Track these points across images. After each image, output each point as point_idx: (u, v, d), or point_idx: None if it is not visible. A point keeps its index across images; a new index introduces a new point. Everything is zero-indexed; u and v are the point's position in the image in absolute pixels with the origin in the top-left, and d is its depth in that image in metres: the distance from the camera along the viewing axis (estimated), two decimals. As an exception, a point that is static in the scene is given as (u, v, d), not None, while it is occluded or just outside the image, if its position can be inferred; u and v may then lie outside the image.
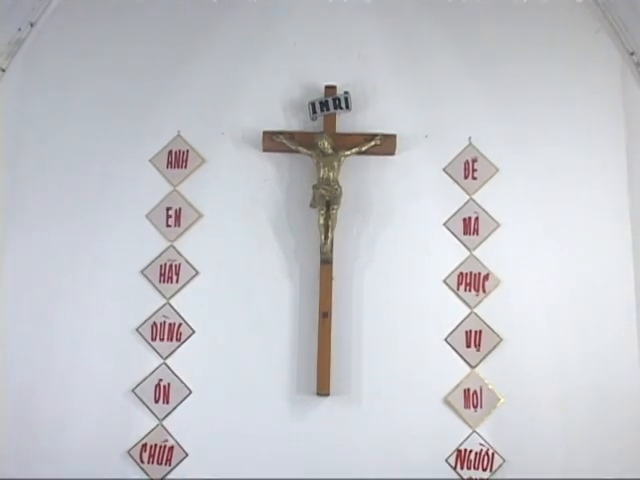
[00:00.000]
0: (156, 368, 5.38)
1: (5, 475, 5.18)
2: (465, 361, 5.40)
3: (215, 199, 5.64)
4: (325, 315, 5.35)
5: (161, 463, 5.25)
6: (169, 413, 5.33)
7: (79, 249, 5.50)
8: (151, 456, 5.26)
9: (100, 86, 5.73)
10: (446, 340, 5.44)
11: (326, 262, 5.43)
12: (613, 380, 5.31)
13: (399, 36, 5.88)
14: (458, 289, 5.51)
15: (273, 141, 5.62)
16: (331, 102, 5.69)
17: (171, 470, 5.24)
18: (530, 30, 5.82)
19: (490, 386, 5.35)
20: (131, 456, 5.25)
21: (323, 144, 5.51)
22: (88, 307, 5.43)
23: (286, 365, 5.37)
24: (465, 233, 5.59)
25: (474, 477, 5.23)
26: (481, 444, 5.28)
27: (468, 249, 5.57)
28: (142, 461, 5.24)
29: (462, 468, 5.25)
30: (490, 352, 5.40)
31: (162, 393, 5.34)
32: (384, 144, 5.61)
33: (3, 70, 4.75)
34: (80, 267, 5.48)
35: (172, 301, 5.49)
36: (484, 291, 5.49)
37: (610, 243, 5.53)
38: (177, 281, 5.51)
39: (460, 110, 5.76)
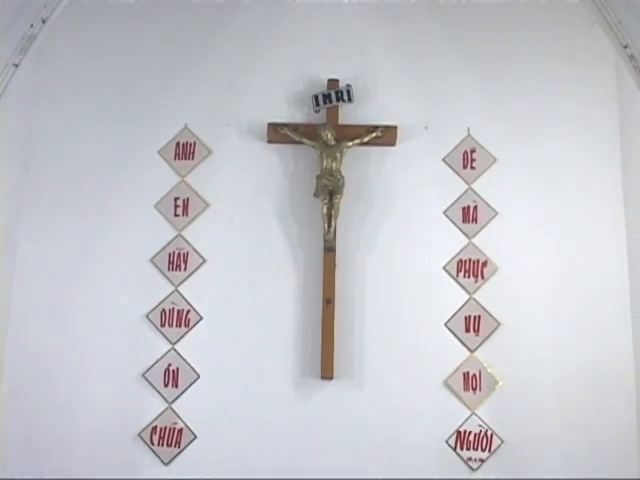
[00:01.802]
0: (165, 353, 5.47)
1: (18, 456, 5.29)
2: (464, 345, 5.48)
3: (221, 189, 5.72)
4: (329, 301, 5.43)
5: (170, 445, 5.34)
6: (178, 396, 5.41)
7: (90, 239, 5.59)
8: (161, 438, 5.34)
9: (109, 81, 5.83)
10: (446, 325, 5.52)
11: (329, 250, 5.51)
12: (608, 362, 5.38)
13: (400, 30, 5.96)
14: (457, 275, 5.58)
15: (277, 133, 5.69)
16: (334, 95, 5.77)
17: (180, 452, 5.34)
18: (527, 24, 5.90)
19: (489, 369, 5.43)
20: (141, 438, 5.34)
21: (326, 135, 5.58)
22: (99, 295, 5.52)
23: (291, 350, 5.46)
24: (464, 221, 5.66)
25: (473, 457, 5.31)
26: (480, 425, 5.36)
27: (467, 237, 5.65)
28: (152, 443, 5.34)
29: (462, 449, 5.33)
30: (489, 336, 5.48)
31: (171, 377, 5.43)
32: (385, 135, 5.69)
33: (16, 65, 4.73)
34: (91, 256, 5.57)
35: (180, 288, 5.57)
36: (483, 277, 5.57)
37: (604, 230, 5.61)
38: (185, 269, 5.59)
39: (459, 102, 5.84)
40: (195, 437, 5.37)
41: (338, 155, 5.59)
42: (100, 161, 5.73)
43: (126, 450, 5.33)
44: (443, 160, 5.79)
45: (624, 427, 5.33)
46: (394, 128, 5.72)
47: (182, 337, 5.51)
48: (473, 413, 5.39)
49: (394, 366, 5.44)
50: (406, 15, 5.98)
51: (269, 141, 5.77)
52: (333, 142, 5.61)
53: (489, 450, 5.33)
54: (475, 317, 5.51)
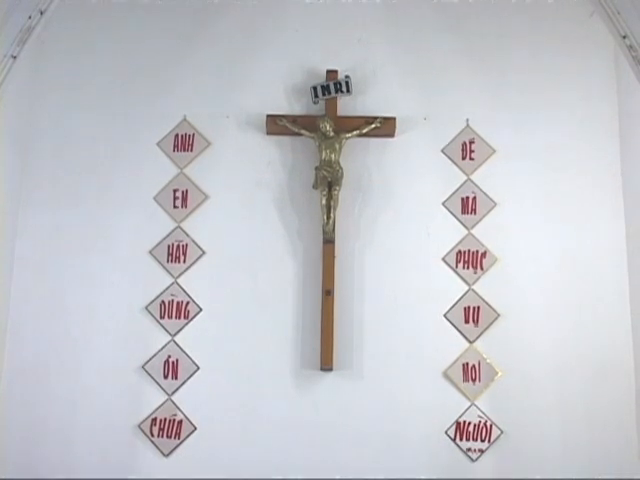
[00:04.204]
0: (165, 345, 5.48)
1: (19, 448, 5.30)
2: (464, 336, 5.50)
3: (220, 181, 5.73)
4: (328, 293, 5.45)
5: (170, 436, 5.36)
6: (178, 388, 5.43)
7: (90, 230, 5.61)
8: (161, 430, 5.36)
9: (108, 72, 5.84)
10: (445, 316, 5.53)
11: (328, 241, 5.52)
12: (606, 353, 5.41)
13: (398, 22, 5.96)
14: (457, 267, 5.59)
15: (276, 124, 5.69)
16: (332, 86, 5.77)
17: (180, 443, 5.35)
18: (525, 15, 5.91)
19: (488, 360, 5.45)
20: (141, 430, 5.36)
21: (325, 127, 5.58)
22: (99, 287, 5.54)
23: (291, 341, 5.47)
24: (463, 212, 5.68)
25: (473, 448, 5.33)
26: (480, 416, 5.38)
27: (466, 228, 5.66)
28: (152, 435, 5.35)
29: (461, 440, 5.35)
30: (488, 327, 5.50)
31: (171, 369, 5.44)
32: (384, 126, 5.69)
33: (14, 57, 4.72)
34: (91, 248, 5.58)
35: (180, 280, 5.58)
36: (482, 268, 5.58)
37: (604, 220, 5.63)
38: (184, 261, 5.60)
39: (458, 93, 5.85)
40: (195, 428, 5.38)
41: (337, 146, 5.60)
42: (99, 153, 5.74)
43: (126, 441, 5.35)
44: (442, 151, 5.79)
45: (623, 416, 5.36)
46: (393, 119, 5.73)
47: (182, 329, 5.52)
48: (472, 404, 5.40)
49: (393, 357, 5.46)
50: (405, 6, 5.98)
51: (268, 133, 5.77)
52: (332, 133, 5.61)
53: (489, 440, 5.35)
54: (474, 308, 5.52)
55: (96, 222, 5.62)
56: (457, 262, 5.60)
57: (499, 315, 5.51)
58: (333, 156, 5.58)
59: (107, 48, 5.88)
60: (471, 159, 5.76)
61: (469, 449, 5.34)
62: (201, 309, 5.55)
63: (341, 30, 5.94)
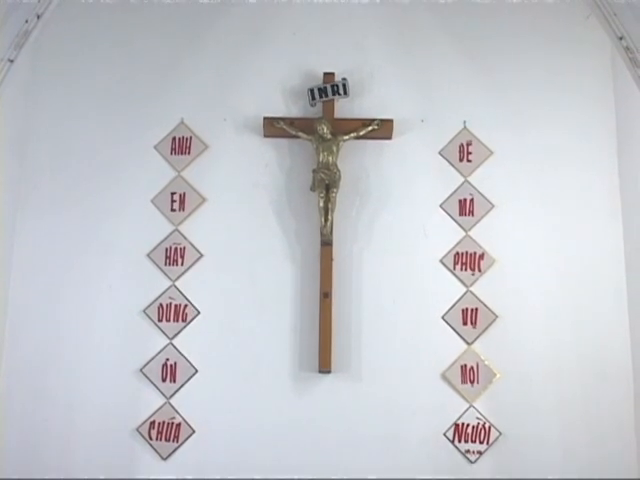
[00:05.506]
0: (163, 348, 5.47)
1: (17, 452, 5.29)
2: (462, 338, 5.49)
3: (218, 184, 5.73)
4: (326, 295, 5.44)
5: (169, 440, 5.35)
6: (176, 391, 5.42)
7: (87, 234, 5.60)
8: (159, 433, 5.35)
9: (105, 75, 5.84)
10: (443, 318, 5.53)
11: (326, 244, 5.51)
12: (605, 354, 5.41)
13: (396, 24, 5.97)
14: (454, 268, 5.59)
15: (274, 127, 5.69)
16: (330, 88, 5.77)
17: (179, 446, 5.34)
18: (522, 17, 5.91)
19: (486, 362, 5.44)
20: (140, 433, 5.35)
21: (322, 129, 5.58)
22: (96, 290, 5.53)
23: (289, 344, 5.46)
24: (461, 214, 5.68)
25: (472, 450, 5.32)
26: (478, 418, 5.37)
27: (464, 229, 5.66)
28: (150, 438, 5.34)
29: (460, 441, 5.34)
30: (486, 329, 5.49)
31: (169, 372, 5.43)
32: (381, 129, 5.69)
33: (11, 61, 4.72)
34: (88, 251, 5.58)
35: (177, 283, 5.58)
36: (480, 270, 5.58)
37: (601, 222, 5.62)
38: (182, 264, 5.59)
39: (455, 95, 5.85)
40: (193, 432, 5.37)
41: (334, 149, 5.60)
42: (96, 156, 5.73)
43: (124, 445, 5.34)
44: (439, 153, 5.79)
45: (622, 418, 5.35)
46: (390, 121, 5.72)
47: (180, 332, 5.52)
48: (471, 405, 5.40)
49: (392, 359, 5.45)
50: (402, 8, 5.98)
51: (265, 135, 5.76)
52: (329, 136, 5.61)
53: (487, 442, 5.34)
54: (472, 310, 5.52)
55: (94, 225, 5.61)
56: (455, 264, 5.60)
57: (497, 317, 5.51)
58: (330, 158, 5.58)
59: (104, 52, 5.87)
60: (468, 161, 5.76)
61: (468, 451, 5.33)
62: (199, 312, 5.54)
63: (338, 33, 5.94)
